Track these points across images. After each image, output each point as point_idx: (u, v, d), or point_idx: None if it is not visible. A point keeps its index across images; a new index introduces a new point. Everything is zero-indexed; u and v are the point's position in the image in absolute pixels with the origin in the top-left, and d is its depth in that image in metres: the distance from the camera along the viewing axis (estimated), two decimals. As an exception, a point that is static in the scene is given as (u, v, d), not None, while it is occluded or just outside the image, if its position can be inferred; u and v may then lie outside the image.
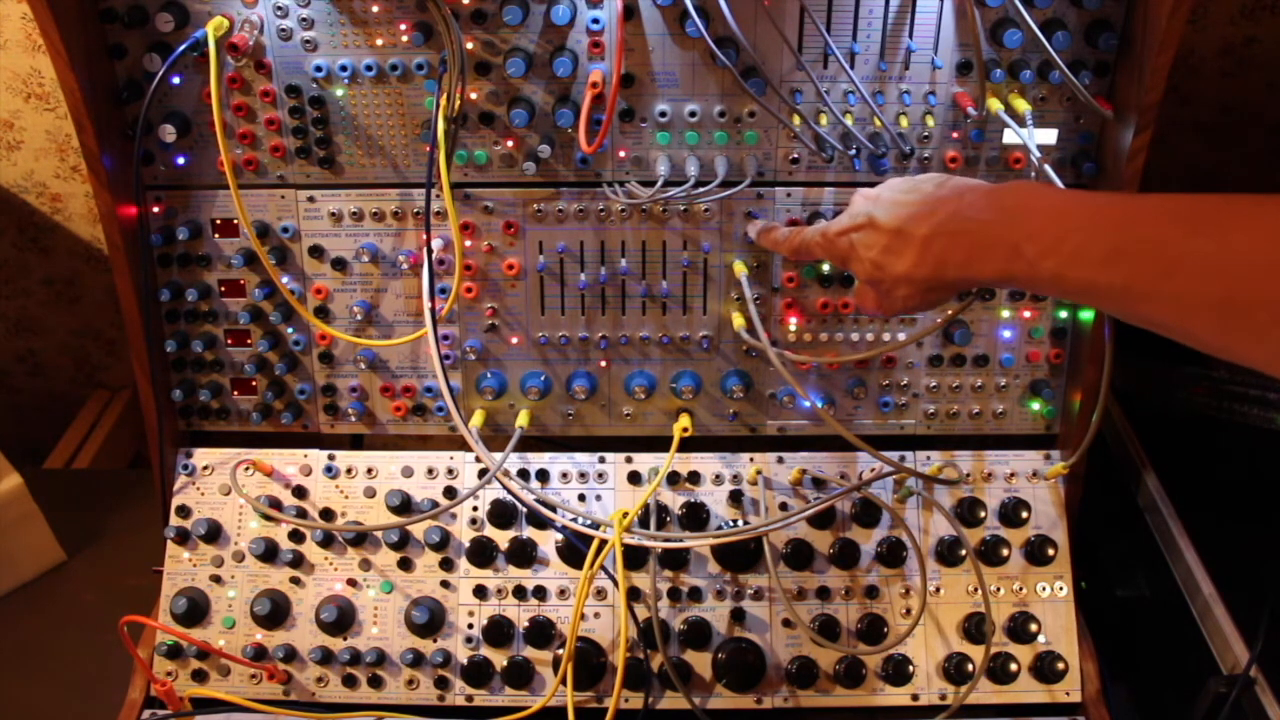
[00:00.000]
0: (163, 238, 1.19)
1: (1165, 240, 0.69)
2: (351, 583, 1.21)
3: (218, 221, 1.19)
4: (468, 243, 1.19)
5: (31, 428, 2.05)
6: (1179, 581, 1.19)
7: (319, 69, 1.11)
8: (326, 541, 1.21)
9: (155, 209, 1.19)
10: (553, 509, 1.18)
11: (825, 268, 1.19)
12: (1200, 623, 1.14)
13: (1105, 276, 0.72)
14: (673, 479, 1.22)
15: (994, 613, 1.19)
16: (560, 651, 1.18)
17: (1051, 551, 1.19)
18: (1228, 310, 0.65)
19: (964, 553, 1.19)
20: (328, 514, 1.22)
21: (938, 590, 1.20)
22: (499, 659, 1.19)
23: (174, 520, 1.23)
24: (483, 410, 1.24)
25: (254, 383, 1.24)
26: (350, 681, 1.20)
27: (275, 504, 1.21)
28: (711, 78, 1.12)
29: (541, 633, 1.18)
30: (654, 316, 1.21)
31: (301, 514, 1.22)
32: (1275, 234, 0.63)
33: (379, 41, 1.10)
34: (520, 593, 1.20)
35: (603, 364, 1.23)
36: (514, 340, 1.22)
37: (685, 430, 1.21)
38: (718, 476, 1.22)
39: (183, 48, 1.08)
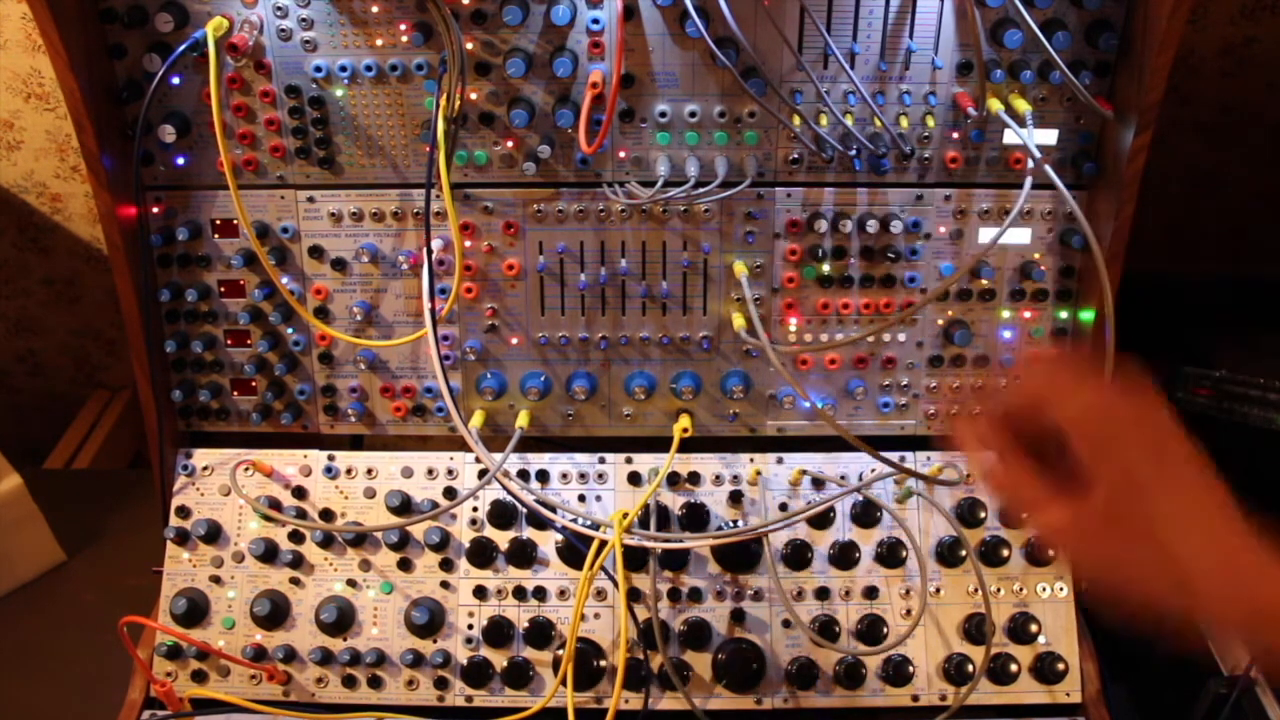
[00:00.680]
0: (163, 238, 1.19)
1: None
2: (351, 583, 1.21)
3: (217, 222, 1.19)
4: (468, 243, 1.19)
5: (31, 428, 2.05)
6: (1179, 582, 1.19)
7: (319, 69, 1.11)
8: (326, 542, 1.21)
9: (155, 209, 1.18)
10: (553, 509, 1.18)
11: (825, 268, 1.19)
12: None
13: None
14: (673, 479, 1.22)
15: (994, 613, 1.19)
16: (560, 652, 1.18)
17: (1052, 551, 1.19)
18: None
19: (964, 553, 1.19)
20: (327, 514, 1.22)
21: (938, 591, 1.20)
22: (499, 660, 1.19)
23: (174, 521, 1.23)
24: (483, 411, 1.24)
25: (254, 383, 1.24)
26: (350, 682, 1.20)
27: (275, 504, 1.21)
28: (711, 78, 1.12)
29: (541, 633, 1.18)
30: (654, 317, 1.21)
31: (301, 514, 1.22)
32: None
33: (379, 42, 1.10)
34: (520, 593, 1.20)
35: (603, 364, 1.23)
36: (514, 341, 1.22)
37: (685, 431, 1.21)
38: (718, 477, 1.22)
39: (182, 48, 1.08)
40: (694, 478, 1.22)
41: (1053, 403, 0.73)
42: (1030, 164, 1.09)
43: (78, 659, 1.31)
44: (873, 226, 1.16)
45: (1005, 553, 1.19)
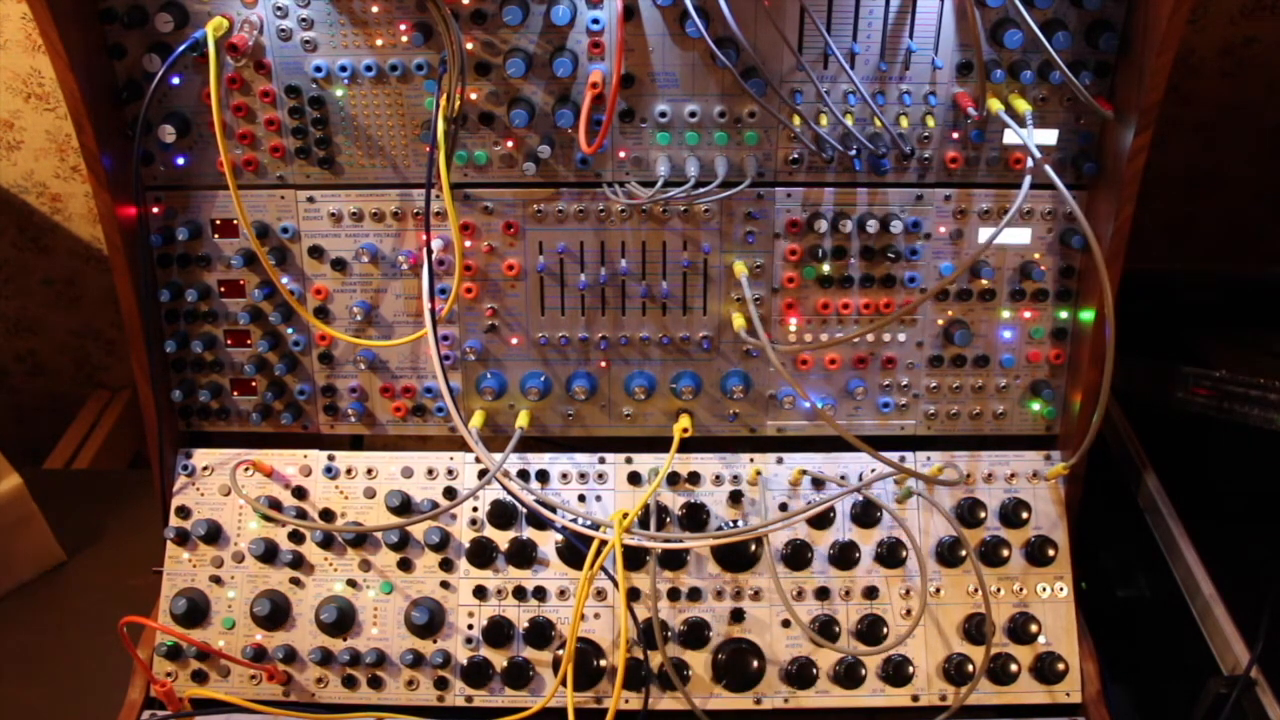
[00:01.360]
0: (162, 238, 1.19)
1: None
2: (351, 583, 1.21)
3: (217, 222, 1.19)
4: (468, 243, 1.19)
5: (31, 428, 2.05)
6: (1179, 582, 1.19)
7: (319, 69, 1.11)
8: (326, 542, 1.21)
9: (155, 209, 1.18)
10: (553, 510, 1.18)
11: (825, 268, 1.19)
12: (1200, 623, 1.14)
13: None
14: (673, 479, 1.22)
15: (994, 613, 1.19)
16: (560, 652, 1.18)
17: (1052, 552, 1.19)
18: None
19: (964, 553, 1.19)
20: (327, 514, 1.22)
21: (938, 591, 1.20)
22: (499, 660, 1.19)
23: (174, 521, 1.23)
24: (483, 411, 1.24)
25: (254, 383, 1.24)
26: (350, 682, 1.20)
27: (275, 504, 1.21)
28: (711, 78, 1.12)
29: (541, 633, 1.18)
30: (654, 317, 1.21)
31: (301, 514, 1.22)
32: None
33: (379, 42, 1.10)
34: (520, 593, 1.20)
35: (603, 364, 1.23)
36: (514, 341, 1.22)
37: (685, 431, 1.21)
38: (717, 477, 1.22)
39: (182, 48, 1.08)
40: (694, 478, 1.22)
41: None
42: (1030, 164, 1.09)
43: (78, 659, 1.31)
44: (873, 226, 1.16)
45: (1005, 553, 1.19)
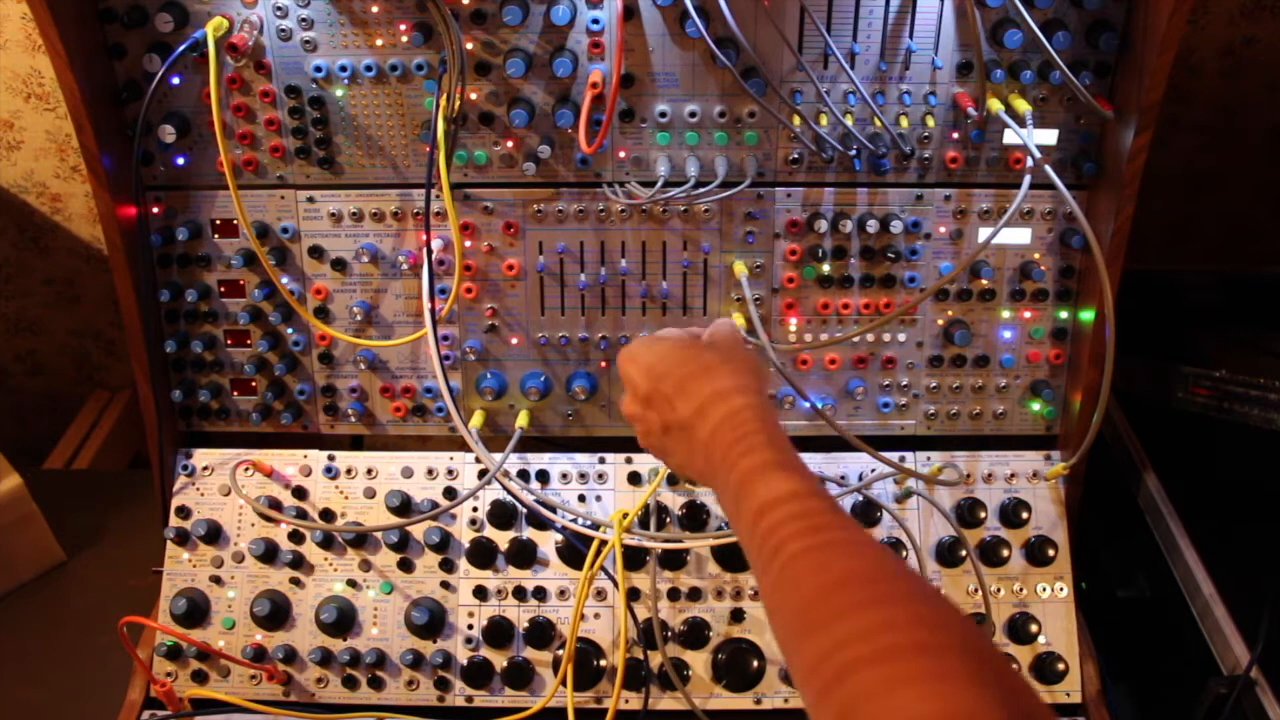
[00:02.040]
0: (162, 238, 1.19)
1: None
2: (351, 583, 1.21)
3: (217, 222, 1.19)
4: (468, 243, 1.19)
5: (31, 428, 2.05)
6: (1179, 582, 1.19)
7: (319, 69, 1.11)
8: (326, 542, 1.21)
9: (155, 209, 1.18)
10: (553, 510, 1.18)
11: (825, 268, 1.19)
12: (1200, 623, 1.14)
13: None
14: (672, 479, 1.22)
15: (994, 613, 1.19)
16: (560, 652, 1.18)
17: (1052, 552, 1.19)
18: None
19: (964, 553, 1.19)
20: (328, 515, 1.22)
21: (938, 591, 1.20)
22: (499, 660, 1.19)
23: (174, 521, 1.23)
24: (482, 411, 1.24)
25: (254, 383, 1.24)
26: (350, 682, 1.20)
27: (275, 504, 1.21)
28: (711, 78, 1.12)
29: (541, 633, 1.18)
30: (654, 317, 1.21)
31: (301, 515, 1.22)
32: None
33: (379, 42, 1.10)
34: (520, 593, 1.20)
35: (603, 364, 1.23)
36: (514, 341, 1.22)
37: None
38: (718, 477, 1.22)
39: (182, 48, 1.08)
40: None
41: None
42: (1030, 164, 1.09)
43: (78, 659, 1.30)
44: (873, 226, 1.16)
45: (1005, 553, 1.19)
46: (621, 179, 1.16)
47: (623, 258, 1.19)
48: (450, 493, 1.23)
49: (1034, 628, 1.18)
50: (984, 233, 1.18)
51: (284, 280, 1.19)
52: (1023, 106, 1.10)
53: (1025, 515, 1.20)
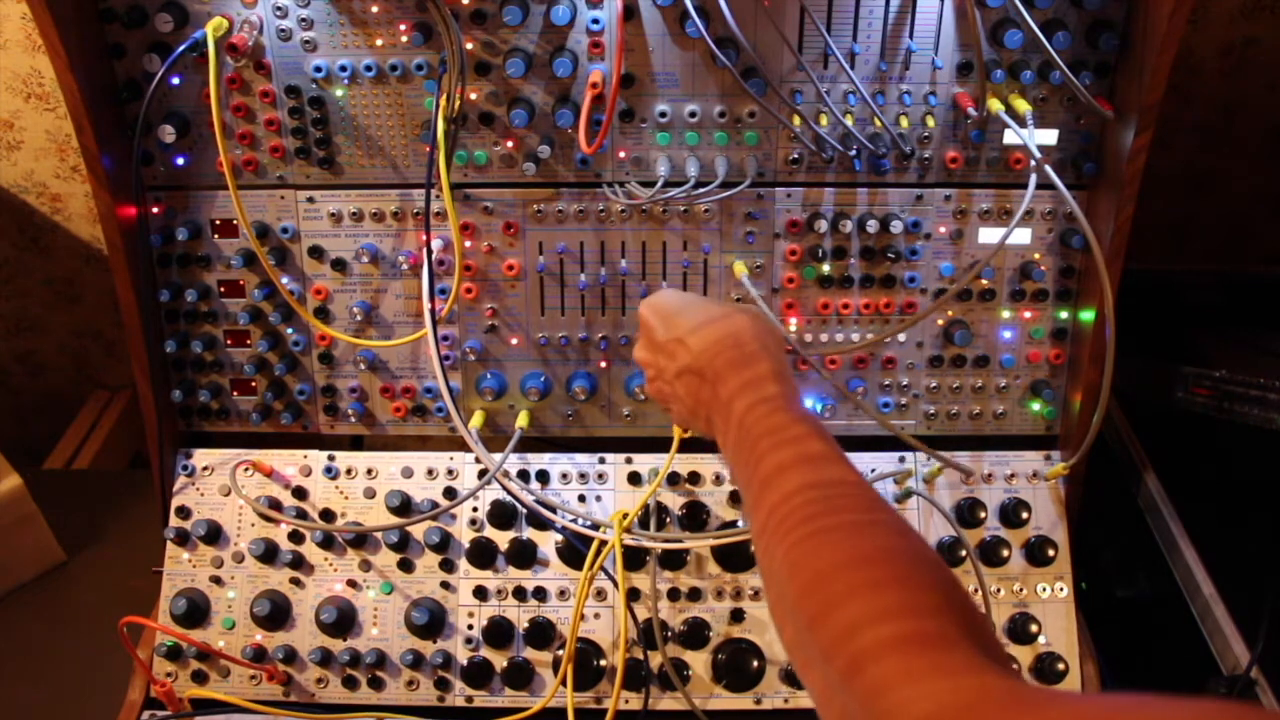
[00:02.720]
0: (162, 238, 1.19)
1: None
2: (351, 584, 1.21)
3: (217, 222, 1.19)
4: (468, 243, 1.19)
5: (31, 428, 2.05)
6: (1179, 581, 1.19)
7: (318, 69, 1.11)
8: (326, 542, 1.21)
9: (155, 209, 1.18)
10: (553, 510, 1.18)
11: (825, 268, 1.19)
12: (1200, 623, 1.14)
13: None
14: (673, 479, 1.22)
15: (994, 613, 1.19)
16: (560, 652, 1.18)
17: (1052, 552, 1.19)
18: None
19: (964, 553, 1.19)
20: (328, 515, 1.22)
21: (938, 591, 1.20)
22: (499, 660, 1.19)
23: (174, 521, 1.23)
24: (482, 411, 1.24)
25: (254, 383, 1.24)
26: (350, 683, 1.20)
27: (275, 505, 1.21)
28: (711, 78, 1.12)
29: (541, 634, 1.18)
30: (654, 317, 1.21)
31: (301, 515, 1.22)
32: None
33: (379, 42, 1.10)
34: (520, 594, 1.20)
35: (603, 364, 1.23)
36: (514, 341, 1.22)
37: (685, 431, 1.21)
38: (718, 477, 1.22)
39: (182, 48, 1.08)
40: (694, 477, 1.22)
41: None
42: (1031, 164, 1.09)
43: (78, 659, 1.30)
44: (873, 226, 1.16)
45: (1005, 553, 1.19)
46: (621, 179, 1.16)
47: (623, 258, 1.19)
48: (450, 493, 1.23)
49: (1034, 628, 1.18)
50: (983, 232, 1.18)
51: (284, 280, 1.19)
52: (1023, 106, 1.10)
53: (1025, 515, 1.20)
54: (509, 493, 1.19)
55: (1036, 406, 1.24)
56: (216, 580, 1.22)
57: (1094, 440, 1.14)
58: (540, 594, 1.20)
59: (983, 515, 1.20)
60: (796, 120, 1.12)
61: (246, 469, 1.23)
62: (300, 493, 1.23)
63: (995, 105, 1.10)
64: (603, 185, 1.16)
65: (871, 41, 1.10)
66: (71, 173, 1.79)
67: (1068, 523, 1.21)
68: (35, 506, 1.41)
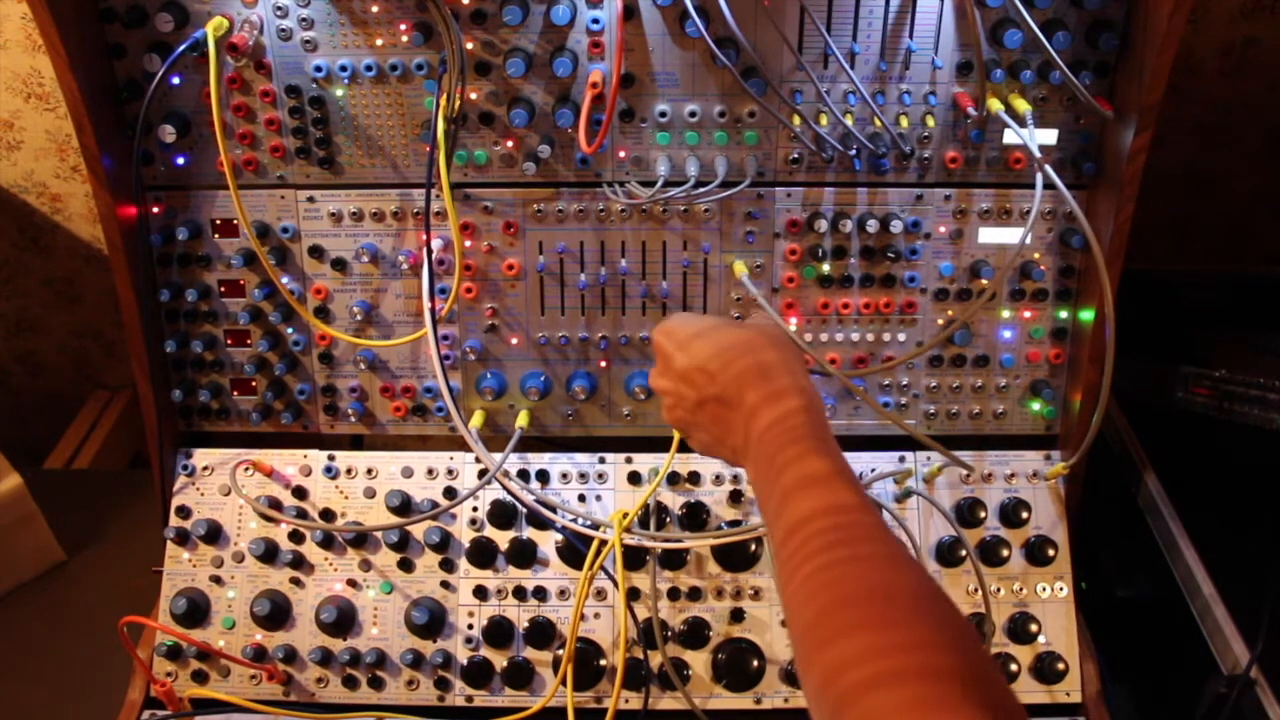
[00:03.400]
0: (162, 238, 1.19)
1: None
2: (351, 583, 1.21)
3: (217, 222, 1.19)
4: (468, 243, 1.19)
5: (31, 428, 2.05)
6: (1179, 581, 1.19)
7: (319, 69, 1.11)
8: (326, 542, 1.21)
9: (155, 209, 1.18)
10: (553, 509, 1.18)
11: (825, 268, 1.19)
12: (1200, 623, 1.14)
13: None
14: (673, 479, 1.22)
15: (994, 613, 1.19)
16: (560, 652, 1.18)
17: (1052, 552, 1.19)
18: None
19: (964, 553, 1.19)
20: (328, 514, 1.22)
21: (938, 590, 1.20)
22: (499, 660, 1.19)
23: (174, 521, 1.23)
24: (482, 411, 1.24)
25: (254, 383, 1.24)
26: (350, 682, 1.20)
27: (275, 504, 1.21)
28: (711, 78, 1.12)
29: (542, 633, 1.18)
30: (654, 317, 1.21)
31: (301, 514, 1.22)
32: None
33: (379, 41, 1.10)
34: (520, 593, 1.20)
35: (603, 364, 1.23)
36: (514, 340, 1.22)
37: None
38: (718, 477, 1.22)
39: (182, 48, 1.08)
40: (694, 477, 1.22)
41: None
42: (1031, 164, 1.09)
43: (78, 659, 1.31)
44: (873, 226, 1.16)
45: (1005, 553, 1.19)
46: (621, 179, 1.16)
47: (623, 258, 1.19)
48: (450, 492, 1.23)
49: (1034, 627, 1.18)
50: (983, 232, 1.18)
51: (284, 280, 1.19)
52: (1023, 106, 1.10)
53: (1025, 515, 1.20)
54: (509, 492, 1.19)
55: (1036, 406, 1.24)
56: (216, 580, 1.22)
57: (1094, 440, 1.14)
58: (540, 594, 1.20)
59: (983, 515, 1.20)
60: (796, 120, 1.12)
61: (247, 469, 1.23)
62: (300, 492, 1.23)
63: (995, 105, 1.10)
64: (603, 185, 1.16)
65: (871, 41, 1.10)
66: (71, 173, 1.79)
67: (1068, 522, 1.21)
68: (35, 506, 1.41)
